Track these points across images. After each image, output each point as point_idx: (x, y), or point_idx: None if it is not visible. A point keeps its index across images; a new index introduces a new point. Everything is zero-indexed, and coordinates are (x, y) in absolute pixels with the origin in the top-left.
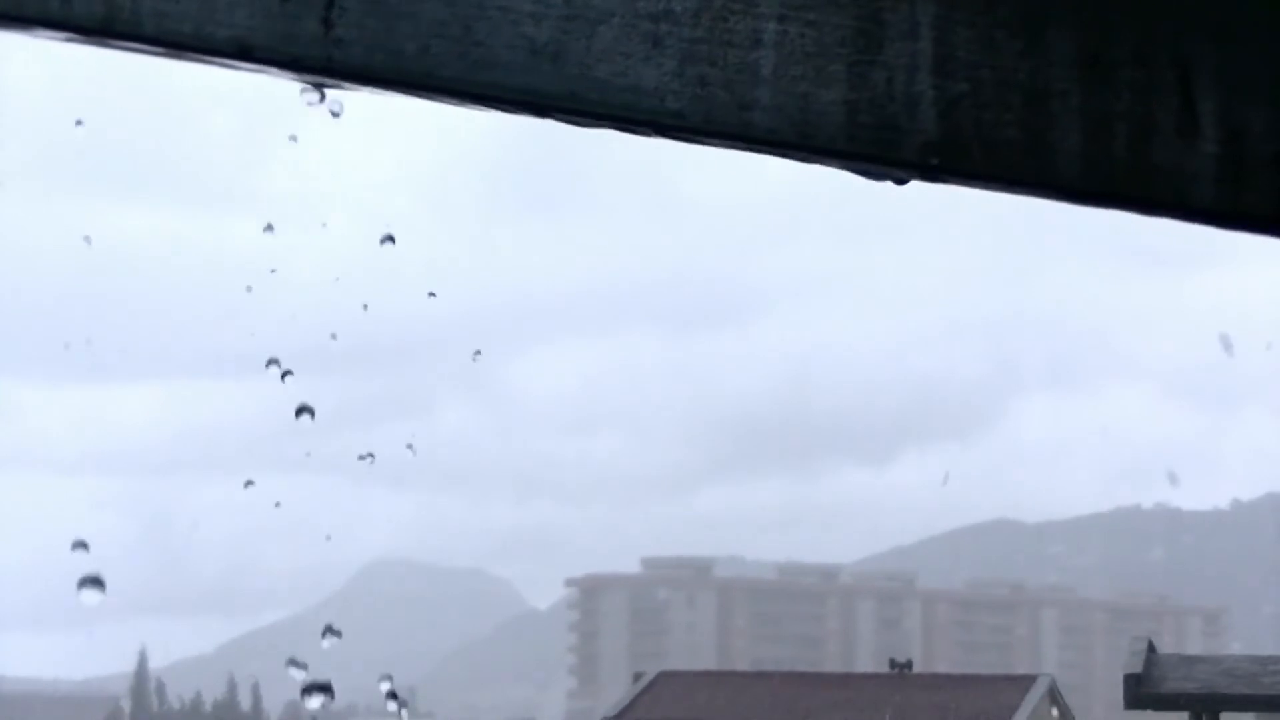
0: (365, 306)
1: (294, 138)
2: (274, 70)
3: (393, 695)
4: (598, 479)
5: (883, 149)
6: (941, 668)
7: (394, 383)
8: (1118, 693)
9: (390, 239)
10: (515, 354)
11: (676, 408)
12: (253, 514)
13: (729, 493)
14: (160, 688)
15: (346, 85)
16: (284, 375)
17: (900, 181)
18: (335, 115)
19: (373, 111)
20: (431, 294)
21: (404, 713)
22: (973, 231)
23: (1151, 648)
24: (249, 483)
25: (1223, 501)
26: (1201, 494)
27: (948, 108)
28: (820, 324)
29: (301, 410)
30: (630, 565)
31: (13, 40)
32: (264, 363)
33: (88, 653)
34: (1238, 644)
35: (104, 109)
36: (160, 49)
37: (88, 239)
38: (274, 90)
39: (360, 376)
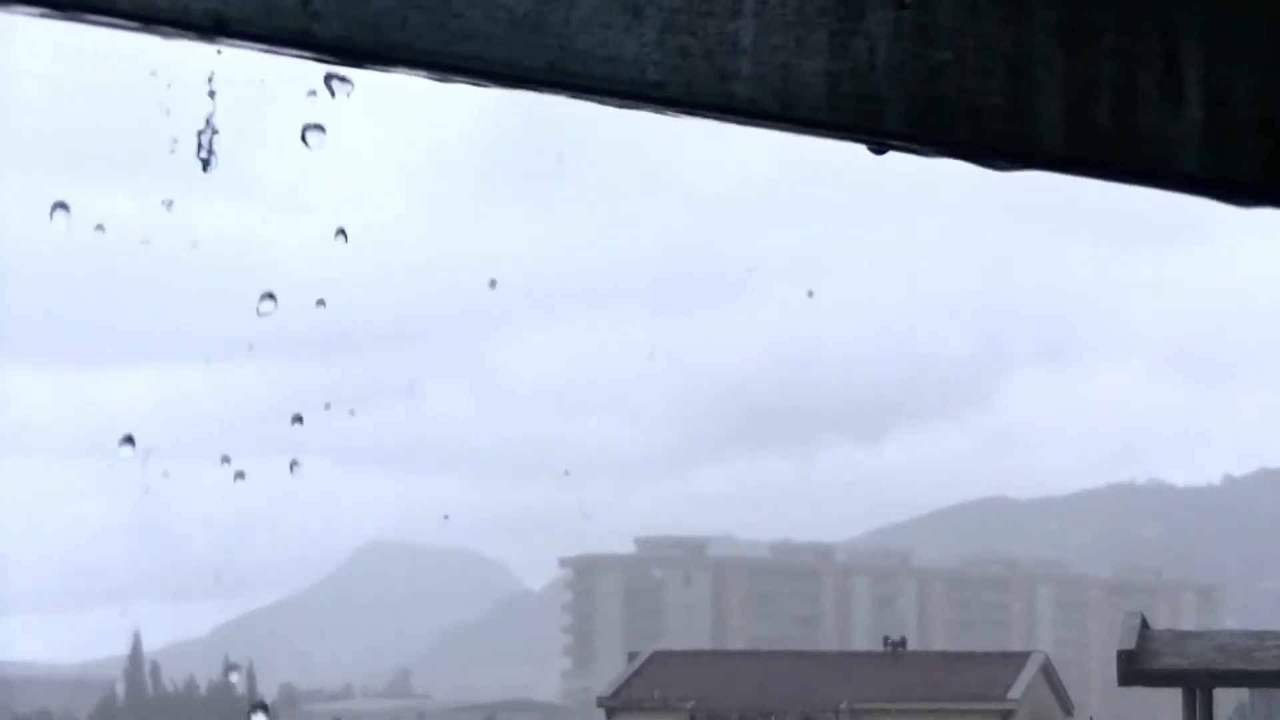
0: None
1: (275, 119)
2: (251, 44)
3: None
4: (591, 460)
5: (865, 119)
6: (936, 645)
7: (384, 366)
8: (1113, 669)
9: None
10: (505, 336)
11: (668, 388)
12: (246, 497)
13: (722, 472)
14: (155, 671)
15: (325, 59)
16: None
17: (879, 151)
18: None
19: (358, 93)
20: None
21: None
22: (959, 209)
23: (1145, 624)
24: (238, 474)
25: (1215, 477)
26: (1194, 470)
27: (930, 76)
28: (810, 303)
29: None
30: (624, 545)
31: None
32: (250, 347)
33: (83, 636)
34: (1232, 619)
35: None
36: (135, 23)
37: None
38: (263, 72)
39: (349, 360)
